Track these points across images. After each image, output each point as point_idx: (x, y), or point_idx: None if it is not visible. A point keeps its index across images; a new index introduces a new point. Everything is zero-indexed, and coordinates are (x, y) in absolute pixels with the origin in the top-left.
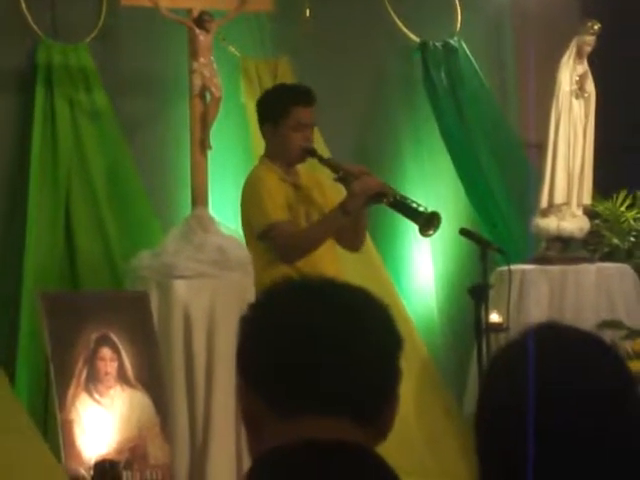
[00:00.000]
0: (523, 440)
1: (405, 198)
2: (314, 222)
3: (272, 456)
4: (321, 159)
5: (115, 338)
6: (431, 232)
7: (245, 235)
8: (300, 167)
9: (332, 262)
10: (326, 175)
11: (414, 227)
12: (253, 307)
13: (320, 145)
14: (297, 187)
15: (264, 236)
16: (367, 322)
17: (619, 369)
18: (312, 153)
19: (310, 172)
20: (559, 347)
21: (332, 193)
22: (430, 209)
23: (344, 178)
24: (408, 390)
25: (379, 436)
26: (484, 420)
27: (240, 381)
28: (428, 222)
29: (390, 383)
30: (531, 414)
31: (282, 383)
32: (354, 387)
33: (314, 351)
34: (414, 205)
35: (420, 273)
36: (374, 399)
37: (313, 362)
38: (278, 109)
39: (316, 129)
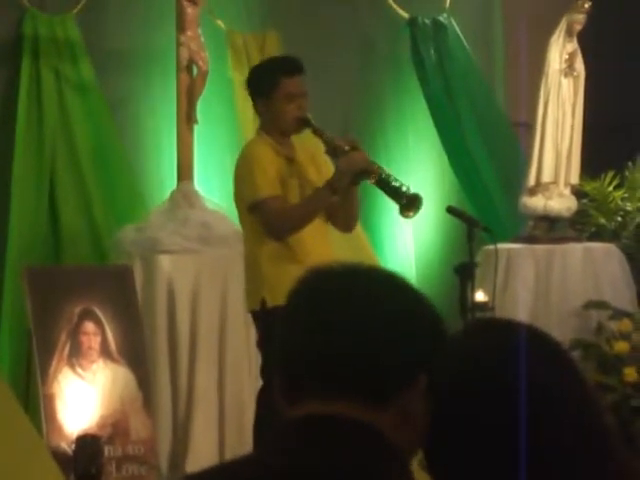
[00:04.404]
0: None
1: (390, 176)
2: (302, 200)
3: (271, 435)
4: (315, 130)
5: (99, 312)
6: (411, 214)
7: (238, 208)
8: (295, 141)
9: (324, 242)
10: (322, 149)
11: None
12: (286, 298)
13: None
14: (291, 161)
15: (253, 210)
16: (383, 306)
17: (554, 363)
18: (307, 123)
19: (306, 146)
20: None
21: (328, 170)
22: (413, 191)
23: (333, 152)
24: None
25: (404, 420)
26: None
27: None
28: (410, 203)
29: (405, 368)
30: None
31: (288, 366)
32: (356, 372)
33: (319, 336)
34: (397, 185)
35: (401, 250)
36: (384, 383)
37: (314, 347)
38: (268, 82)
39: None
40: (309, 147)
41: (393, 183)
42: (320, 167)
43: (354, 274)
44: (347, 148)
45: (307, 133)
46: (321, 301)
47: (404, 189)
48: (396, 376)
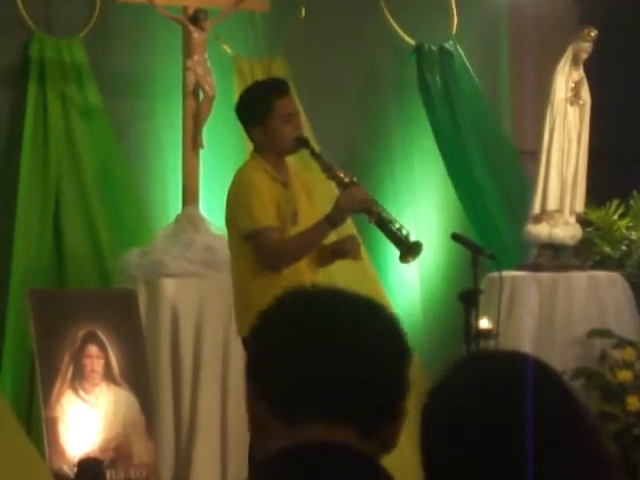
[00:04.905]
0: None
1: (390, 217)
2: (300, 233)
3: (270, 460)
4: (313, 153)
5: (102, 336)
6: (410, 259)
7: (229, 231)
8: (291, 167)
9: (318, 271)
10: (315, 176)
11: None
12: (262, 317)
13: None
14: (286, 186)
15: (248, 239)
16: (373, 334)
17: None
18: (305, 143)
19: (301, 173)
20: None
21: (321, 202)
22: (413, 238)
23: (332, 179)
24: None
25: (383, 450)
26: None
27: (248, 388)
28: (409, 249)
29: (395, 397)
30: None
31: (286, 391)
32: (357, 398)
33: (317, 361)
34: (397, 227)
35: (406, 276)
36: (378, 411)
37: (316, 372)
38: (262, 107)
39: (308, 129)
40: (302, 173)
41: (393, 226)
42: (311, 193)
43: (341, 297)
44: (347, 180)
45: (304, 156)
46: (314, 320)
47: (404, 233)
48: (390, 407)
